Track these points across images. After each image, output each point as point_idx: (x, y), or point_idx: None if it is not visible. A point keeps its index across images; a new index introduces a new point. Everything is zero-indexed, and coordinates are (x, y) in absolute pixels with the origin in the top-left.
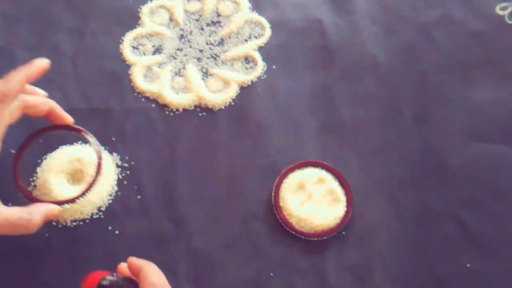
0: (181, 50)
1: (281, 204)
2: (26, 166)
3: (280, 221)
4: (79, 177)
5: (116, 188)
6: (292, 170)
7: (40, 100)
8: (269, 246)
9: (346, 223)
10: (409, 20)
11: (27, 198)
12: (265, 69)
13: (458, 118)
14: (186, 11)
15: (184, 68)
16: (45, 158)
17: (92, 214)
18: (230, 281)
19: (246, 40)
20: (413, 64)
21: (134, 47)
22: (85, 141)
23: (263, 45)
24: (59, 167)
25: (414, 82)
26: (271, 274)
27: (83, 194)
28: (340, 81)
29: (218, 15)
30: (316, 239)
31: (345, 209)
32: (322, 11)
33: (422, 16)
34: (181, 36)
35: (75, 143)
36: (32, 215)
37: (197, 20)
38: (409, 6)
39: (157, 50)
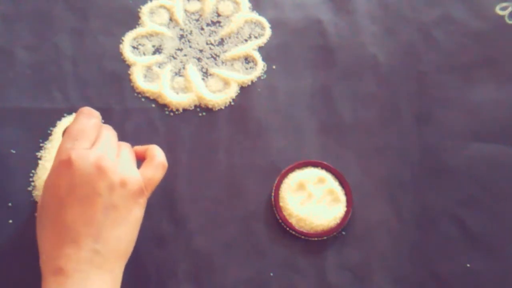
0: (181, 50)
1: (281, 204)
2: (26, 166)
3: (280, 221)
4: None
5: None
6: (292, 170)
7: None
8: (269, 246)
9: (346, 223)
10: (409, 20)
11: None
12: (265, 69)
13: (458, 118)
14: (186, 11)
15: (184, 68)
16: (45, 158)
17: None
18: (230, 281)
19: (246, 40)
20: (413, 64)
21: (134, 47)
22: None
23: (263, 45)
24: None
25: (414, 82)
26: (271, 274)
27: None
28: (340, 81)
29: (218, 15)
30: (316, 239)
31: (345, 209)
32: (322, 11)
33: (422, 16)
34: (181, 36)
35: None
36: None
37: (197, 20)
38: (409, 6)
39: (157, 50)
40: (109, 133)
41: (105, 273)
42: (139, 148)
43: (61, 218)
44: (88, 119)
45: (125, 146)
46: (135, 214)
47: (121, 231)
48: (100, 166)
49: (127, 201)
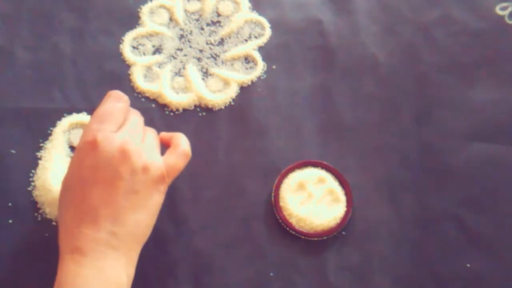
0: (181, 50)
1: (281, 204)
2: (26, 166)
3: (280, 221)
4: None
5: None
6: (292, 170)
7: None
8: (269, 246)
9: (346, 223)
10: (409, 20)
11: None
12: (265, 69)
13: (458, 118)
14: (186, 11)
15: (184, 68)
16: (45, 158)
17: None
18: (230, 281)
19: (246, 40)
20: (413, 64)
21: (134, 47)
22: None
23: (263, 45)
24: (59, 167)
25: (414, 82)
26: (271, 274)
27: None
28: (340, 81)
29: (218, 15)
30: (316, 239)
31: (345, 209)
32: (322, 11)
33: (422, 16)
34: (181, 36)
35: (75, 143)
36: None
37: (197, 20)
38: (409, 6)
39: (157, 50)
40: (136, 117)
41: (121, 255)
42: (165, 134)
43: (82, 198)
44: (116, 102)
45: (151, 132)
46: (155, 200)
47: (140, 215)
48: (124, 150)
49: (148, 186)
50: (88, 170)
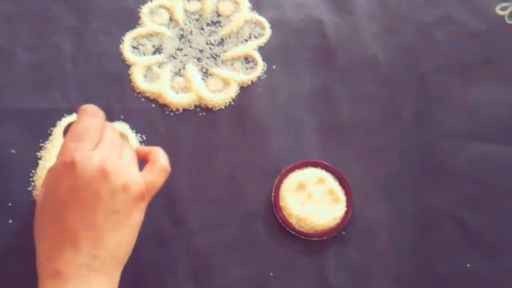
0: (181, 50)
1: (281, 204)
2: (26, 166)
3: (280, 221)
4: None
5: None
6: (292, 170)
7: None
8: (269, 246)
9: (346, 223)
10: (409, 20)
11: None
12: (265, 69)
13: (458, 118)
14: (186, 11)
15: (184, 68)
16: (45, 158)
17: None
18: (230, 281)
19: (246, 40)
20: (413, 64)
21: (134, 47)
22: None
23: (263, 45)
24: None
25: (414, 82)
26: (271, 274)
27: None
28: (340, 81)
29: (218, 15)
30: (316, 239)
31: (345, 209)
32: (322, 11)
33: (422, 16)
34: (181, 36)
35: None
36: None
37: (197, 20)
38: (409, 6)
39: (157, 50)
40: (112, 133)
41: (103, 277)
42: (141, 149)
43: (61, 221)
44: (92, 118)
45: (127, 147)
46: (135, 218)
47: (121, 235)
48: (103, 169)
49: (128, 205)
50: (67, 191)
